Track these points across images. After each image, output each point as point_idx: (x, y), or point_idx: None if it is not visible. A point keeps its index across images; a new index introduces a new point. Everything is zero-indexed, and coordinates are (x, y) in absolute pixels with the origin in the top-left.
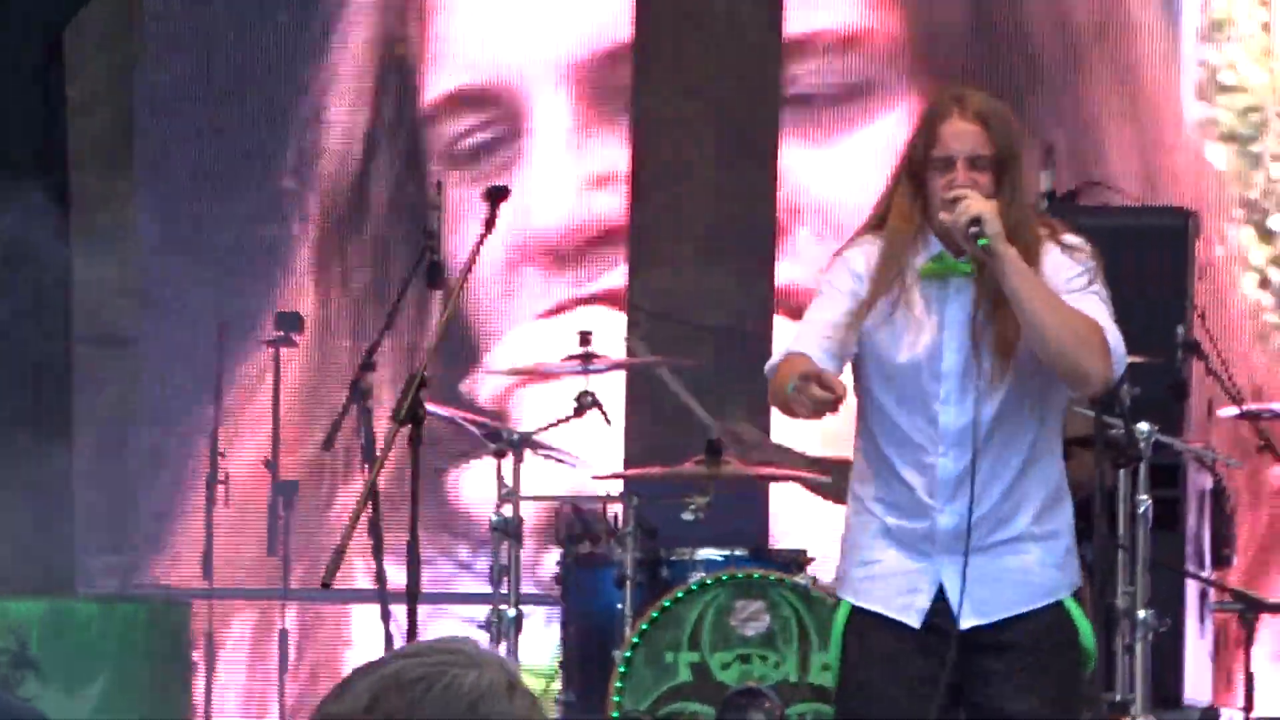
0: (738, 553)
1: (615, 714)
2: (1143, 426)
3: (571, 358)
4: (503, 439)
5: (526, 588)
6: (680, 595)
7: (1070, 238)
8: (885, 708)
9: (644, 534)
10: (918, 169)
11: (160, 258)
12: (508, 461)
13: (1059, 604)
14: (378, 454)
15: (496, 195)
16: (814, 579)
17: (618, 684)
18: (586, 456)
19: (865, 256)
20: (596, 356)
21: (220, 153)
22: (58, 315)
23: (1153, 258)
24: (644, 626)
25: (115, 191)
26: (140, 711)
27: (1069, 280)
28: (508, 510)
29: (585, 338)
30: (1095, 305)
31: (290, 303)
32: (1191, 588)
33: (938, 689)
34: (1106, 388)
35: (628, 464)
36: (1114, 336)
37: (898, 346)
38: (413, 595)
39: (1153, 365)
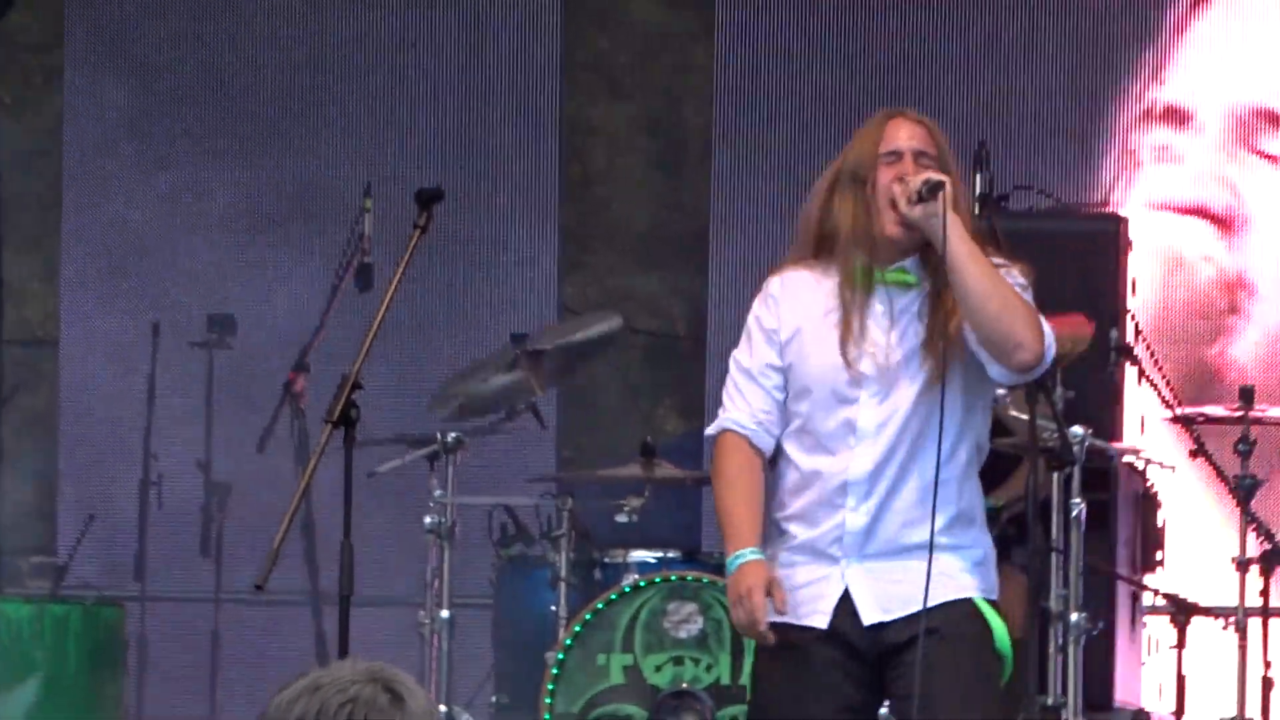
0: (671, 555)
1: (547, 716)
2: (1076, 430)
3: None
4: (436, 441)
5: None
6: (614, 597)
7: (996, 258)
8: (795, 710)
9: (578, 536)
10: (865, 172)
11: (90, 258)
12: (441, 464)
13: (969, 600)
14: (310, 456)
15: (429, 197)
16: None
17: (549, 686)
18: (521, 458)
19: (788, 291)
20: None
21: (151, 153)
22: None
23: (1086, 261)
24: (577, 629)
25: (43, 191)
26: (72, 713)
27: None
28: (441, 513)
29: (518, 339)
30: (1030, 301)
31: (222, 304)
32: (1123, 591)
33: (842, 691)
34: (1037, 365)
35: (561, 466)
36: (1047, 326)
37: (821, 348)
38: (345, 598)
39: (1086, 369)
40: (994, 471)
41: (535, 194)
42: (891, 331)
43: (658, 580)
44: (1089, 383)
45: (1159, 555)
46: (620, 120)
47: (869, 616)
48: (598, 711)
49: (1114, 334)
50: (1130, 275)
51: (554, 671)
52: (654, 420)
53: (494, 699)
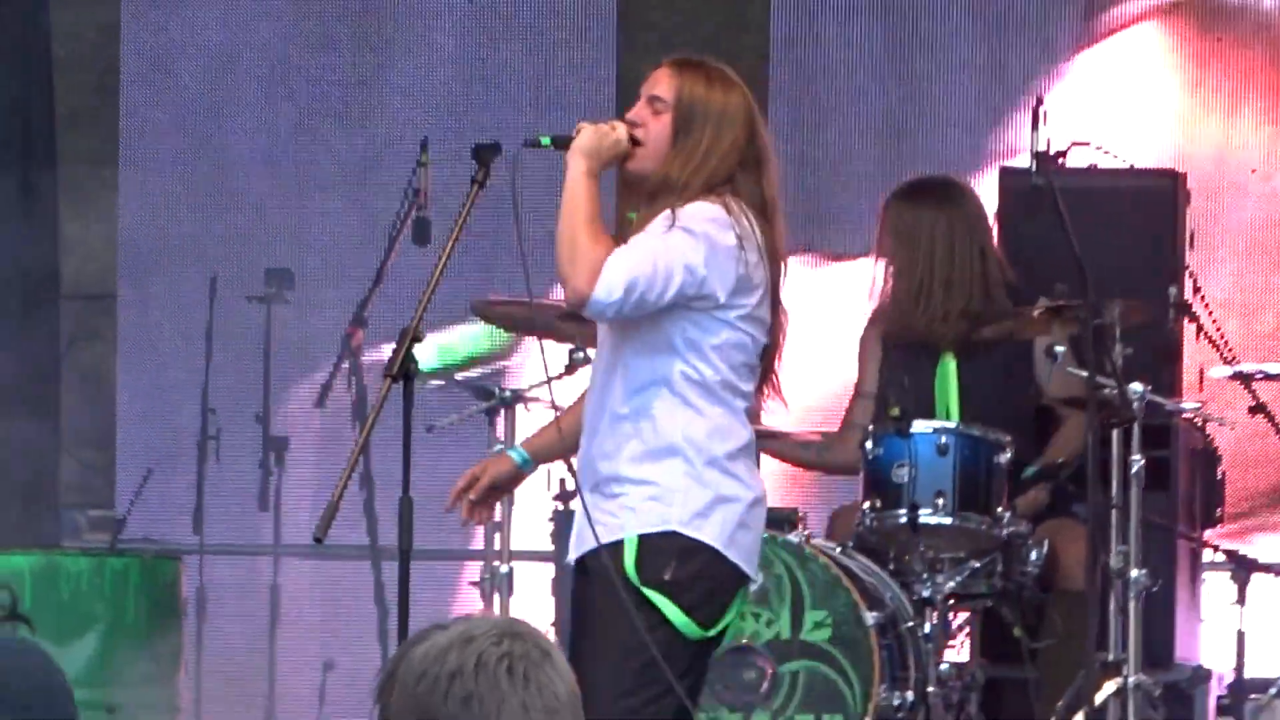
0: None
1: None
2: (1136, 387)
3: (564, 316)
4: (495, 396)
5: (519, 544)
6: None
7: (698, 205)
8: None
9: None
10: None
11: (148, 213)
12: (500, 418)
13: (619, 544)
14: (369, 410)
15: (487, 152)
16: (807, 536)
17: None
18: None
19: None
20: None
21: (210, 110)
22: (45, 272)
23: (1144, 219)
24: None
25: (100, 147)
26: (131, 666)
27: (650, 227)
28: None
29: None
30: (641, 241)
31: (281, 258)
32: (1183, 548)
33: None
34: (581, 303)
35: None
36: (619, 266)
37: None
38: (404, 552)
39: (1145, 326)
40: (1045, 428)
41: None
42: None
43: None
44: (1147, 339)
45: (1219, 511)
46: None
47: (572, 554)
48: None
49: (1173, 291)
50: (1189, 228)
51: None
52: None
53: None
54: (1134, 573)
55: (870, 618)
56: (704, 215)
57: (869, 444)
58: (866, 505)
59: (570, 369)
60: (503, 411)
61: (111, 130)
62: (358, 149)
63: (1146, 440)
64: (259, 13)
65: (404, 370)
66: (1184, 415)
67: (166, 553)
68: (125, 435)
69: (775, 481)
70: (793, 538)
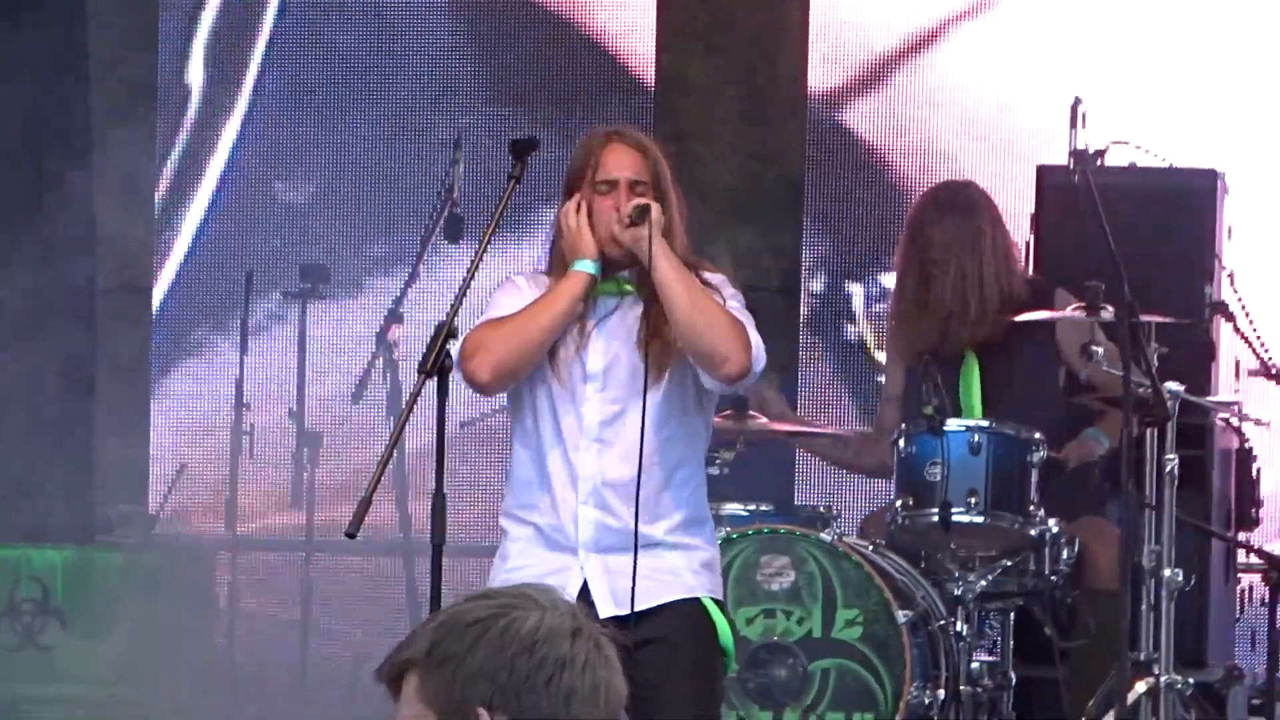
0: (763, 507)
1: None
2: (1171, 386)
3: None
4: None
5: None
6: None
7: (710, 275)
8: None
9: None
10: (576, 186)
11: (185, 207)
12: None
13: (697, 600)
14: (403, 406)
15: (524, 147)
16: (839, 535)
17: None
18: None
19: (534, 286)
20: None
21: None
22: (82, 264)
23: (1181, 217)
24: None
25: (138, 141)
26: (162, 661)
27: (721, 291)
28: None
29: None
30: (739, 311)
31: (316, 254)
32: (1216, 548)
33: None
34: (745, 375)
35: None
36: (755, 336)
37: (557, 348)
38: (437, 546)
39: (1180, 326)
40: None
41: None
42: (615, 331)
43: (750, 533)
44: (1184, 338)
45: (1254, 512)
46: (712, 74)
47: (605, 610)
48: None
49: (1208, 290)
50: (1226, 225)
51: None
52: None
53: None
54: (1167, 572)
55: (902, 616)
56: (730, 290)
57: (901, 442)
58: (899, 504)
59: None
60: None
61: (149, 128)
62: (392, 146)
63: (1181, 439)
64: None
65: (438, 365)
66: (1219, 415)
67: (199, 548)
68: (159, 430)
69: (807, 479)
70: (825, 536)
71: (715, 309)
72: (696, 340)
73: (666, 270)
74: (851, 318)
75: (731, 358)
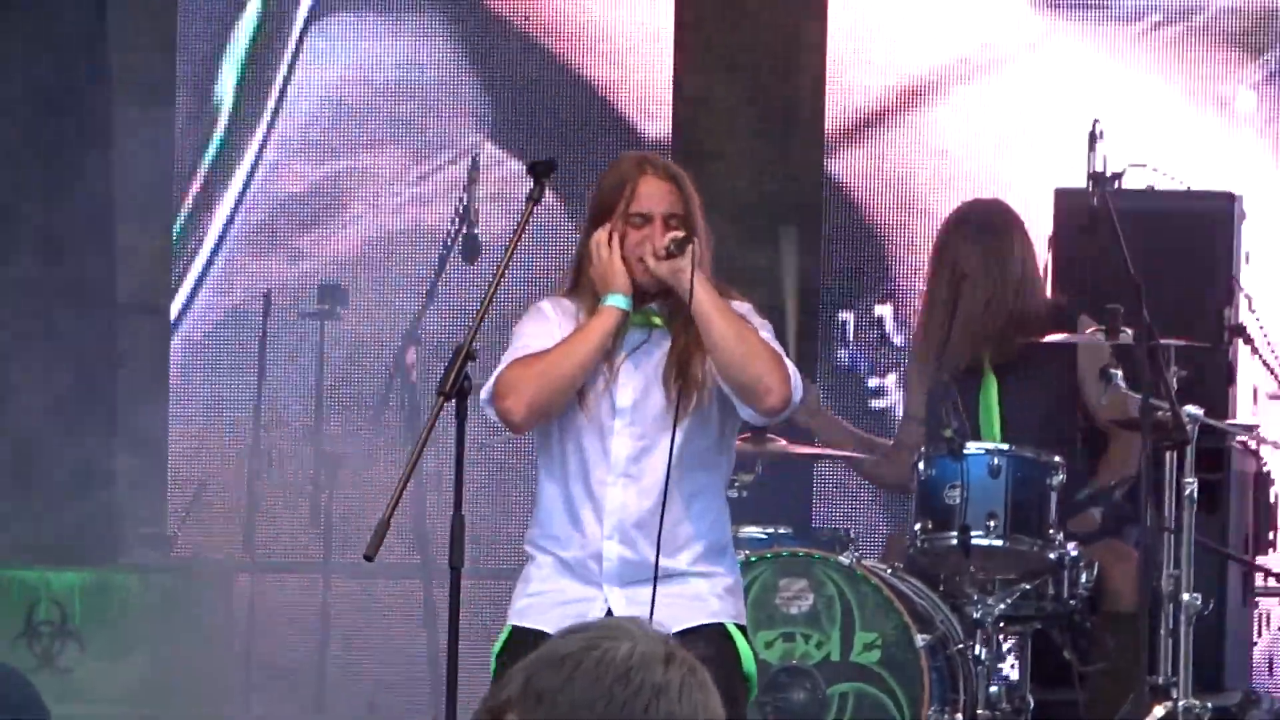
0: (782, 531)
1: None
2: (1190, 409)
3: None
4: None
5: None
6: None
7: (738, 304)
8: None
9: None
10: (606, 218)
11: (203, 228)
12: None
13: (721, 625)
14: (422, 428)
15: (542, 170)
16: (858, 558)
17: None
18: None
19: (559, 313)
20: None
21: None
22: (101, 285)
23: (1199, 241)
24: None
25: (157, 161)
26: (181, 682)
27: (753, 320)
28: None
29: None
30: (771, 341)
31: (334, 274)
32: (1234, 572)
33: None
34: (784, 407)
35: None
36: (792, 366)
37: (585, 382)
38: (456, 570)
39: (1199, 349)
40: (1094, 449)
41: None
42: (643, 364)
43: (768, 556)
44: (1202, 361)
45: (1272, 535)
46: (730, 92)
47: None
48: None
49: (1227, 313)
50: (1244, 250)
51: None
52: None
53: None
54: (1185, 596)
55: (920, 640)
56: (758, 320)
57: (921, 465)
58: (917, 527)
59: None
60: None
61: (168, 143)
62: (410, 166)
63: (1200, 463)
64: None
65: (457, 387)
66: (1238, 438)
67: (217, 569)
68: (177, 451)
69: (826, 502)
70: (844, 559)
71: (757, 341)
72: (740, 373)
73: (707, 304)
74: (846, 343)
75: (774, 389)
